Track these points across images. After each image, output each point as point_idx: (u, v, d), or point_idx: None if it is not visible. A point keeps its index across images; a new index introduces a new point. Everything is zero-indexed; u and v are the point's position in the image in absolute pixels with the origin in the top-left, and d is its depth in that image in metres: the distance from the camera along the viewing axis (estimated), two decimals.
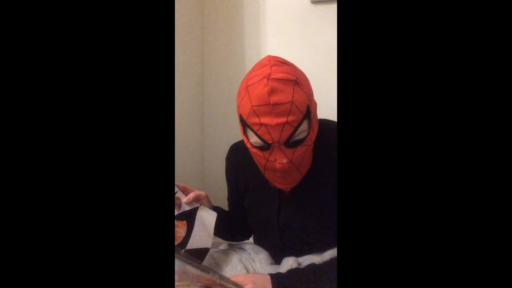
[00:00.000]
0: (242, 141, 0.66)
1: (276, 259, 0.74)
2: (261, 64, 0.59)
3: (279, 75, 0.54)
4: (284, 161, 0.56)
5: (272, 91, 0.52)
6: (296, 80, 0.54)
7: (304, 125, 0.56)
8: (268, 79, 0.53)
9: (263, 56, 1.48)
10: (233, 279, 0.56)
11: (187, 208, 0.64)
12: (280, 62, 0.58)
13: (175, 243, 0.61)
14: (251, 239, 0.85)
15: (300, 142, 0.57)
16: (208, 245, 0.65)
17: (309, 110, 0.56)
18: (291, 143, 0.56)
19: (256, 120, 0.55)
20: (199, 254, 0.63)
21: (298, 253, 0.70)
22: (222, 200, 1.15)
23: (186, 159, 1.36)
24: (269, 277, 0.58)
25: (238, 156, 0.74)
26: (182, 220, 0.63)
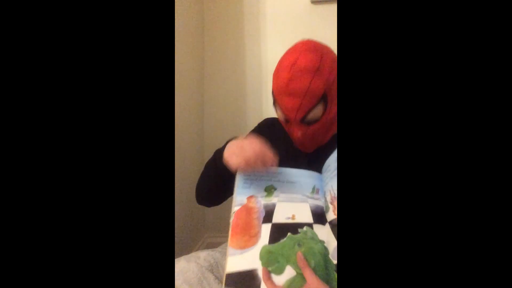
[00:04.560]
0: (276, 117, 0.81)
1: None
2: (294, 49, 0.67)
3: (302, 64, 0.62)
4: (299, 134, 0.68)
5: (291, 79, 0.62)
6: (317, 69, 0.62)
7: (319, 108, 0.65)
8: (291, 67, 0.63)
9: (263, 56, 1.50)
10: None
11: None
12: (310, 49, 0.65)
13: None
14: None
15: (315, 121, 0.66)
16: None
17: (325, 96, 0.64)
18: (306, 121, 0.66)
19: (279, 98, 0.67)
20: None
21: None
22: None
23: (186, 159, 1.36)
24: None
25: (272, 127, 0.83)
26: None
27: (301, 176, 0.63)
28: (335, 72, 0.64)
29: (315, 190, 0.61)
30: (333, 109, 0.67)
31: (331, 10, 1.34)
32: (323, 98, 0.64)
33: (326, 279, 0.47)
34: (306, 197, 0.59)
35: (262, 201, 0.58)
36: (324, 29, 1.36)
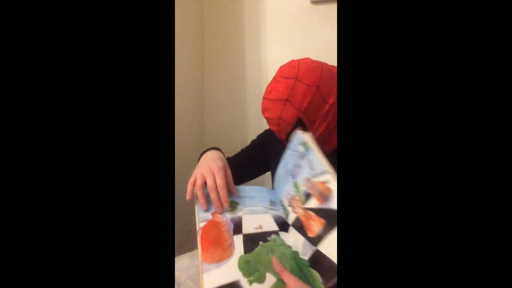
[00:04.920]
0: None
1: None
2: (274, 77, 0.70)
3: (273, 95, 0.66)
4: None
5: (264, 110, 0.69)
6: (287, 98, 0.65)
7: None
8: (265, 97, 0.68)
9: (263, 56, 1.49)
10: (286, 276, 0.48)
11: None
12: (283, 78, 0.67)
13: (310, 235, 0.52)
14: None
15: None
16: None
17: (300, 121, 0.66)
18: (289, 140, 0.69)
19: None
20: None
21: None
22: None
23: (186, 159, 1.36)
24: None
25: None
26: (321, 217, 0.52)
27: (258, 191, 0.67)
28: (309, 98, 0.65)
29: (272, 203, 0.65)
30: (320, 129, 0.67)
31: (331, 10, 1.34)
32: (299, 123, 0.67)
33: (304, 280, 0.48)
34: (267, 209, 0.63)
35: (228, 215, 0.60)
36: (324, 29, 1.36)
